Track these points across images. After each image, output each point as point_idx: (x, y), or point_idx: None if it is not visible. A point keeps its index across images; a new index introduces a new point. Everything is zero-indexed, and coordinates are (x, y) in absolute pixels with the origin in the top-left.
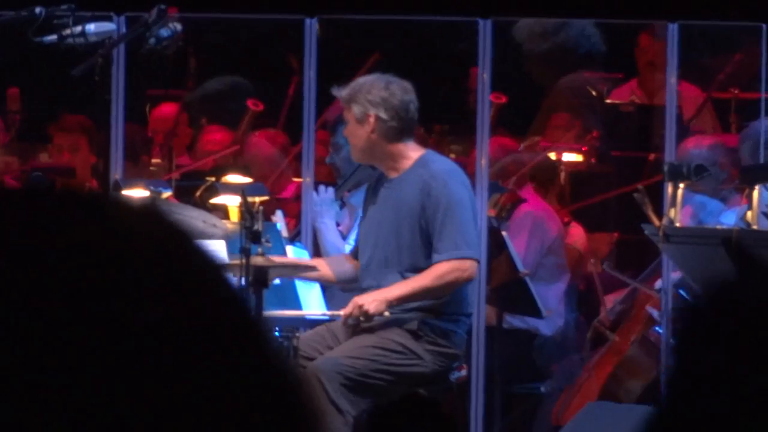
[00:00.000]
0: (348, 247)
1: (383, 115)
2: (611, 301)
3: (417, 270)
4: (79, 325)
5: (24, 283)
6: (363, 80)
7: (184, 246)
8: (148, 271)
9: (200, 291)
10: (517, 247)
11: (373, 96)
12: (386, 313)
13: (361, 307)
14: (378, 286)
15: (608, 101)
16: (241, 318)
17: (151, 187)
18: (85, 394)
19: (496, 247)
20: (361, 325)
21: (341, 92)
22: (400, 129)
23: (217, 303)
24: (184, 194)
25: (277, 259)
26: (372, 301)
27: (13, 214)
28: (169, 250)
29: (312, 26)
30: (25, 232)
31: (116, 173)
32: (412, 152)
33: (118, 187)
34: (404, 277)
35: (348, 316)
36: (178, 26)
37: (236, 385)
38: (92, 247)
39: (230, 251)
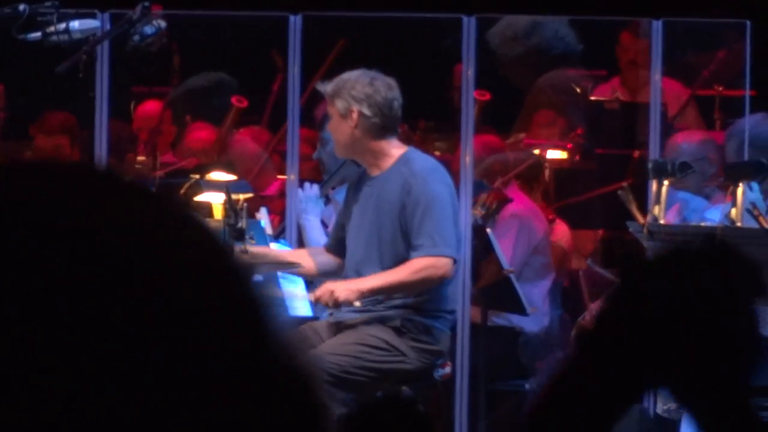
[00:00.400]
0: None
1: (366, 111)
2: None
3: (398, 266)
4: (91, 307)
5: (36, 262)
6: (347, 76)
7: (194, 231)
8: (161, 256)
9: (210, 275)
10: (503, 248)
11: (356, 92)
12: (356, 303)
13: (332, 293)
14: None
15: (592, 98)
16: (247, 303)
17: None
18: (100, 378)
19: (483, 246)
20: (330, 313)
21: (326, 87)
22: (383, 126)
23: (226, 287)
24: (169, 192)
25: (257, 249)
26: (344, 289)
27: (25, 188)
28: (180, 233)
29: (296, 23)
30: (38, 209)
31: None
32: (395, 150)
33: None
34: None
35: (317, 299)
36: (163, 23)
37: (243, 373)
38: (106, 230)
39: None
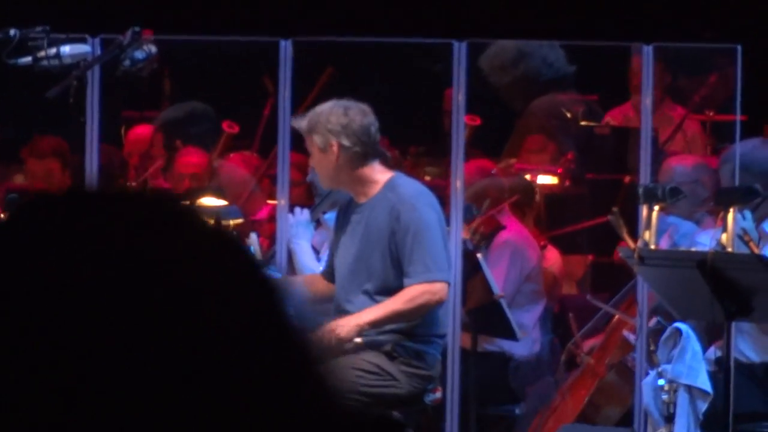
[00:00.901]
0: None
1: (345, 142)
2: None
3: (388, 293)
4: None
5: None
6: (321, 109)
7: (230, 248)
8: (203, 273)
9: (245, 289)
10: (496, 275)
11: (332, 124)
12: (357, 339)
13: (332, 332)
14: (349, 310)
15: (582, 123)
16: (277, 316)
17: None
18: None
19: (472, 269)
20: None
21: (300, 123)
22: (364, 153)
23: (259, 301)
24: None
25: None
26: (343, 326)
27: (83, 214)
28: (217, 250)
29: (287, 48)
30: (92, 234)
31: None
32: (380, 175)
33: None
34: (375, 301)
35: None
36: (153, 48)
37: (269, 382)
38: (155, 248)
39: None
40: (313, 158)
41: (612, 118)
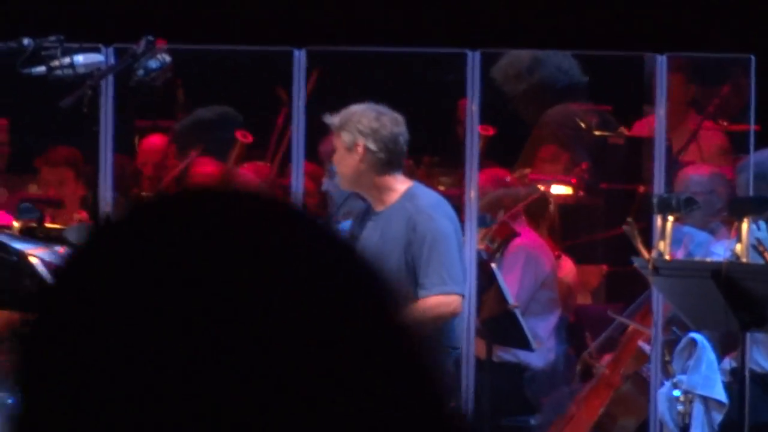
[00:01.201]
0: None
1: (372, 145)
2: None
3: None
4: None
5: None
6: (355, 109)
7: (349, 253)
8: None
9: (360, 283)
10: (510, 281)
11: (363, 125)
12: None
13: None
14: None
15: (596, 133)
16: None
17: None
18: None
19: (486, 279)
20: None
21: (332, 119)
22: (388, 161)
23: (374, 297)
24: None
25: None
26: None
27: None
28: (338, 255)
29: (300, 57)
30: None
31: (106, 205)
32: (399, 185)
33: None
34: None
35: None
36: (167, 58)
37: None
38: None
39: None
40: (337, 156)
41: (638, 130)
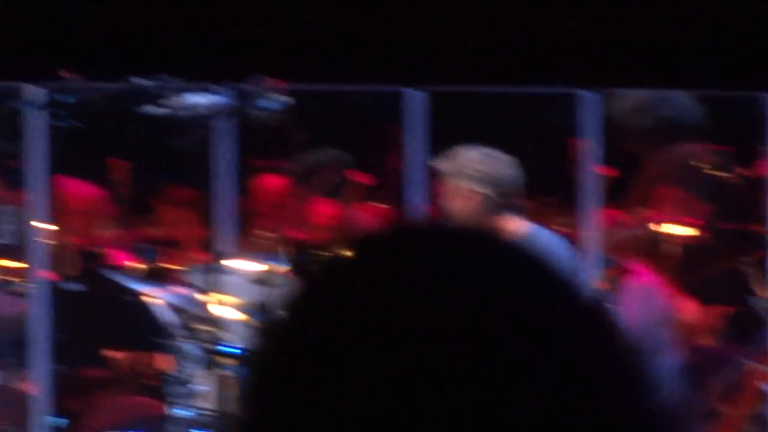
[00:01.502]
0: None
1: (485, 189)
2: None
3: None
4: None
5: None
6: (465, 153)
7: (556, 275)
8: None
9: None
10: (626, 319)
11: (473, 170)
12: None
13: None
14: None
15: (714, 173)
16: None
17: (264, 260)
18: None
19: None
20: None
21: (443, 164)
22: (502, 204)
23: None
24: (300, 268)
25: None
26: None
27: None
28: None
29: (413, 97)
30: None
31: (222, 245)
32: (518, 227)
33: (222, 257)
34: None
35: None
36: (286, 98)
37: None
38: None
39: None
40: (450, 200)
41: (759, 171)
